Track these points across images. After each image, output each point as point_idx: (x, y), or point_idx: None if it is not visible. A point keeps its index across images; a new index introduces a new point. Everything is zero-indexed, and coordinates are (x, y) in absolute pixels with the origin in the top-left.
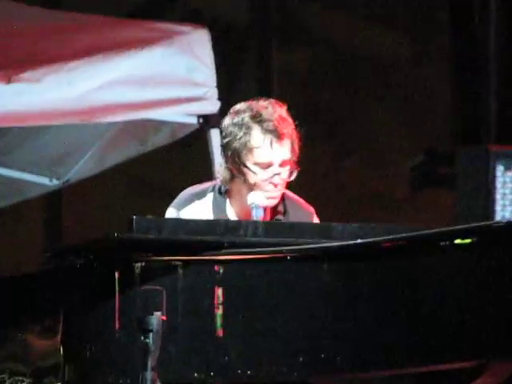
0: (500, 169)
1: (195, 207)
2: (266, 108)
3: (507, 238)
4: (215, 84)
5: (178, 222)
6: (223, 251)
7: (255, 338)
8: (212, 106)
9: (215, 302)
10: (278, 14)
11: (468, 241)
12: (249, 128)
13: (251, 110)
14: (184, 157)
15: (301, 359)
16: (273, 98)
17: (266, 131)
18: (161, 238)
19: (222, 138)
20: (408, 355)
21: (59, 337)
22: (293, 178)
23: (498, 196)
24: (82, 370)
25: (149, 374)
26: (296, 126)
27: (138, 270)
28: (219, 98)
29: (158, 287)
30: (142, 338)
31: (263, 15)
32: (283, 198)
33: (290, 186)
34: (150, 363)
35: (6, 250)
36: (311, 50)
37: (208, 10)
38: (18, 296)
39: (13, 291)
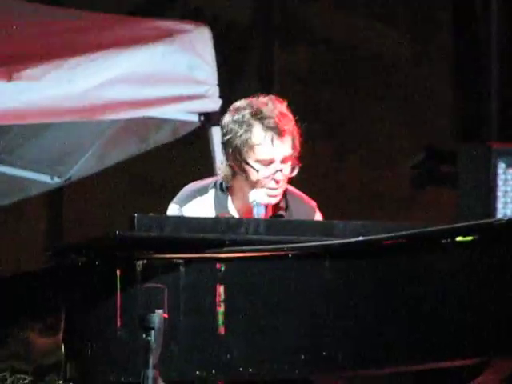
0: (502, 166)
1: (197, 203)
2: (267, 105)
3: (508, 235)
4: (216, 82)
5: (180, 220)
6: (225, 249)
7: (257, 336)
8: (213, 103)
9: (217, 299)
10: (280, 14)
11: (469, 238)
12: (249, 125)
13: (251, 107)
14: (185, 155)
15: (302, 357)
16: (274, 95)
17: (267, 128)
18: (162, 235)
19: (223, 135)
20: (409, 353)
21: (61, 335)
22: (294, 173)
23: (500, 194)
24: (84, 368)
25: (150, 372)
26: (296, 121)
27: (139, 268)
28: (220, 96)
29: (159, 285)
30: (144, 335)
31: (265, 14)
32: (285, 193)
33: (291, 183)
34: (152, 361)
35: (7, 248)
36: (312, 50)
37: (209, 8)
38: (20, 294)
39: (14, 289)
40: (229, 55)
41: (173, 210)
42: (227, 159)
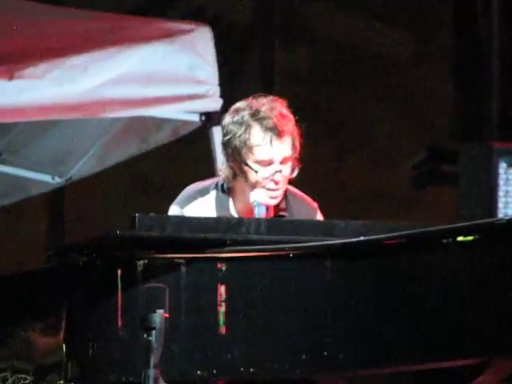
0: (503, 166)
1: (198, 204)
2: (266, 105)
3: (509, 235)
4: (217, 82)
5: (181, 220)
6: (226, 249)
7: (258, 336)
8: (214, 103)
9: (218, 299)
10: (280, 14)
11: (470, 238)
12: (248, 126)
13: (250, 107)
14: (186, 154)
15: (303, 357)
16: (274, 95)
17: (266, 129)
18: (163, 235)
19: (223, 136)
20: (410, 352)
21: (62, 334)
22: (294, 174)
23: (501, 193)
24: (85, 368)
25: (151, 372)
26: (297, 122)
27: (140, 268)
28: (221, 96)
29: (160, 285)
30: (145, 335)
31: (265, 14)
32: (286, 194)
33: (291, 184)
34: (153, 361)
35: (8, 247)
36: (313, 50)
37: (210, 8)
38: (21, 294)
39: (15, 289)
40: (229, 55)
41: (174, 211)
42: (227, 160)
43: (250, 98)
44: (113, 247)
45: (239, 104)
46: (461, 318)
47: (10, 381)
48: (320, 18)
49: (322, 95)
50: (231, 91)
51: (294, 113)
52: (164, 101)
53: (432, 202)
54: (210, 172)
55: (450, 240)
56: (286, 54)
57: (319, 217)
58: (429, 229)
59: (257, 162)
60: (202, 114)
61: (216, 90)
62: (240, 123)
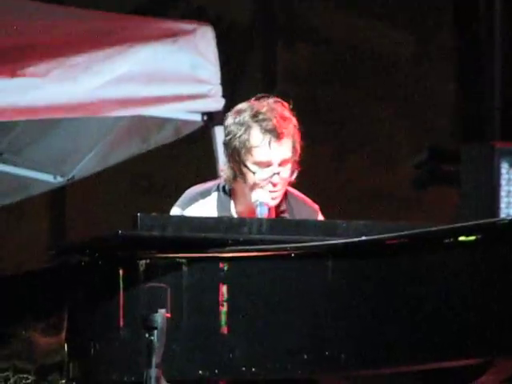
0: (505, 166)
1: (200, 206)
2: (267, 107)
3: (511, 235)
4: (219, 81)
5: (183, 220)
6: (228, 248)
7: (259, 336)
8: (216, 103)
9: (220, 299)
10: (282, 14)
11: (472, 238)
12: (248, 127)
13: (252, 109)
14: (188, 154)
15: (305, 357)
16: (276, 96)
17: (265, 131)
18: (165, 235)
19: (225, 136)
20: (412, 352)
21: (63, 334)
22: (294, 177)
23: (503, 193)
24: (87, 368)
25: (153, 372)
26: (299, 123)
27: (142, 268)
28: (223, 96)
29: (162, 284)
30: (147, 335)
31: (267, 14)
32: (287, 196)
33: (292, 185)
34: (155, 361)
35: (9, 247)
36: (314, 50)
37: (211, 8)
38: (22, 293)
39: (16, 288)
40: (230, 55)
41: (175, 212)
42: (228, 161)
43: (253, 98)
44: (114, 247)
45: (241, 105)
46: (463, 318)
47: (11, 381)
48: (320, 18)
49: (322, 95)
50: (232, 91)
51: (294, 113)
52: (166, 100)
53: (433, 203)
54: (212, 172)
55: (451, 240)
56: (287, 53)
57: (320, 218)
58: (430, 229)
59: (255, 163)
60: (203, 113)
61: (218, 89)
62: (241, 124)
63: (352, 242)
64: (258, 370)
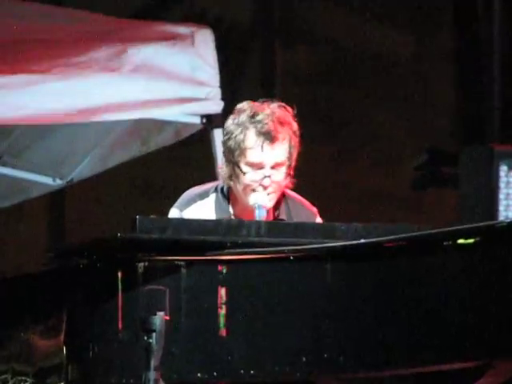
0: (504, 169)
1: (198, 207)
2: (266, 110)
3: (510, 237)
4: (219, 84)
5: (181, 222)
6: (226, 251)
7: (258, 338)
8: (215, 105)
9: (218, 301)
10: (281, 15)
11: (471, 241)
12: (245, 128)
13: (251, 110)
14: (187, 157)
15: (304, 359)
16: (275, 98)
17: (260, 133)
18: (164, 237)
19: (223, 135)
20: (411, 355)
21: (62, 337)
22: (287, 181)
23: (502, 196)
24: (85, 370)
25: (152, 374)
26: (299, 124)
27: (141, 270)
28: (222, 98)
29: (161, 287)
30: (145, 337)
31: (266, 16)
32: (285, 198)
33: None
34: (153, 363)
35: (8, 249)
36: (313, 50)
37: (210, 10)
38: (21, 296)
39: (15, 291)
40: (230, 56)
41: (173, 214)
42: (225, 160)
43: (259, 100)
44: (113, 249)
45: (241, 105)
46: (461, 320)
47: (10, 383)
48: (320, 18)
49: (322, 95)
50: (232, 93)
51: (294, 113)
52: (165, 103)
53: (432, 204)
54: (211, 174)
55: (450, 242)
56: (287, 54)
57: (318, 221)
58: (429, 231)
59: (247, 164)
60: (202, 116)
61: (217, 92)
62: (238, 124)
63: (351, 245)
64: (257, 372)
